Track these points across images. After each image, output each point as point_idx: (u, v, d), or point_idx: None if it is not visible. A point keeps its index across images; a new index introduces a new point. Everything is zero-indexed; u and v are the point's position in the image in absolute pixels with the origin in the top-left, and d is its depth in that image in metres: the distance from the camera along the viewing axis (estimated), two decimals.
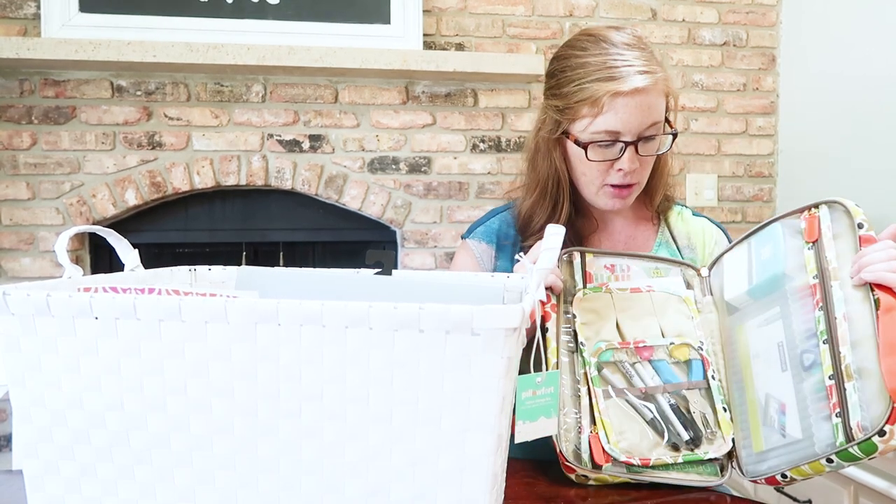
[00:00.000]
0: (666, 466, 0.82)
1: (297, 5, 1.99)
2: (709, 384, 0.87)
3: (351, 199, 2.08)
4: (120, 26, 1.90)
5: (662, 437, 0.83)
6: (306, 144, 2.05)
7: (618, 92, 0.92)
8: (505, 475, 0.65)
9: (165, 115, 1.98)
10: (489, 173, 2.14)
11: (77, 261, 1.97)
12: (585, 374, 0.85)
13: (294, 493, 0.58)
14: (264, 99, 2.03)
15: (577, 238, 1.06)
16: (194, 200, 2.07)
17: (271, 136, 2.04)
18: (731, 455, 0.85)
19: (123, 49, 1.83)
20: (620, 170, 0.98)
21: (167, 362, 0.57)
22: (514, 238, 1.10)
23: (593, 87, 0.94)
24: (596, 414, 0.83)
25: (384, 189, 2.10)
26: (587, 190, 1.03)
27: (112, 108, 1.95)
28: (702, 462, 0.83)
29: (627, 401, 0.85)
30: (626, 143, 0.96)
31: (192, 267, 0.83)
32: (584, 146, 0.97)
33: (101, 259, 2.03)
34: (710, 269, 0.98)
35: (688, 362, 0.88)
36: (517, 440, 0.66)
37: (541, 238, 1.04)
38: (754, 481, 0.82)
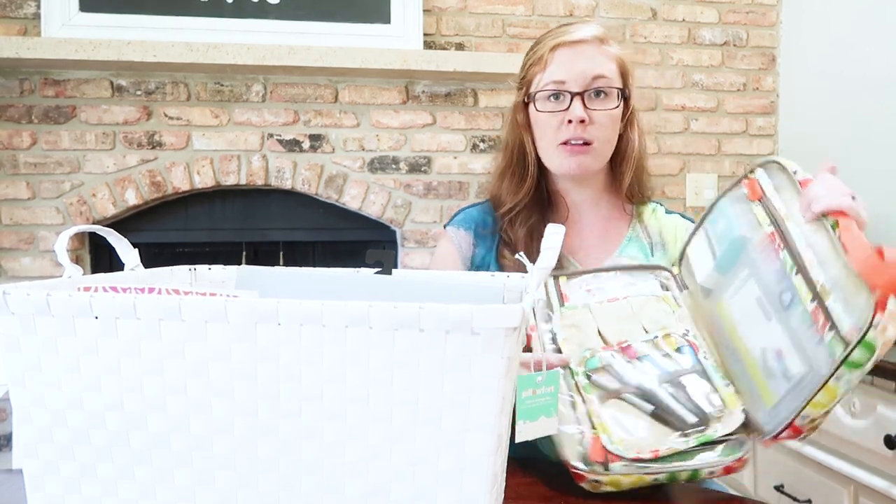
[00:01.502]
0: (682, 455, 0.80)
1: (297, 5, 1.99)
2: (703, 366, 0.86)
3: (351, 199, 2.08)
4: (120, 26, 1.90)
5: (669, 426, 0.81)
6: (306, 144, 2.05)
7: (559, 43, 1.03)
8: (505, 475, 0.65)
9: (165, 115, 1.98)
10: (489, 173, 2.13)
11: (77, 260, 1.97)
12: (576, 384, 0.84)
13: (294, 493, 0.58)
14: (264, 98, 2.03)
15: None
16: (194, 200, 2.07)
17: (271, 135, 2.04)
18: (746, 427, 0.83)
19: (123, 49, 1.83)
20: (570, 122, 1.02)
21: (167, 362, 0.57)
22: (493, 227, 1.12)
23: (541, 47, 1.05)
24: (594, 419, 0.81)
25: (384, 189, 2.10)
26: (546, 153, 1.07)
27: (112, 107, 1.95)
28: (716, 442, 0.82)
29: (625, 399, 0.84)
30: (573, 94, 1.01)
31: (192, 266, 0.82)
32: (534, 99, 1.05)
33: (101, 259, 2.03)
34: (680, 266, 0.98)
35: (678, 350, 0.88)
36: (517, 440, 0.66)
37: (513, 204, 1.09)
38: (777, 438, 0.81)
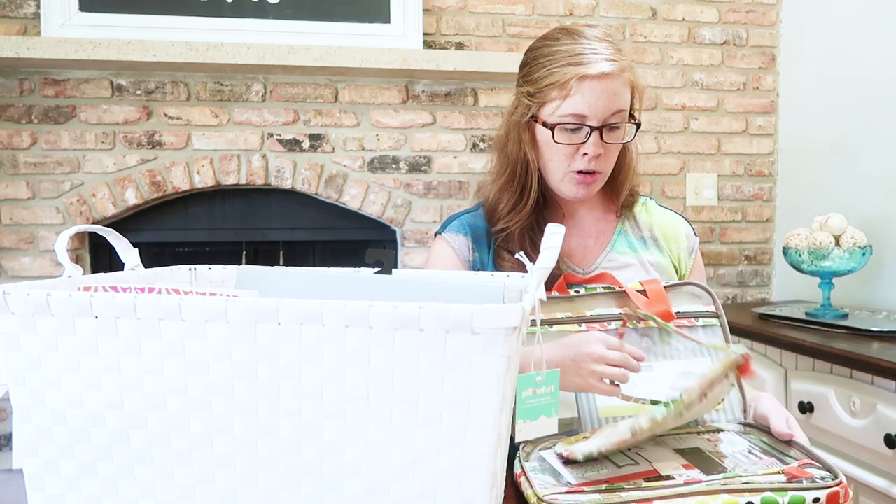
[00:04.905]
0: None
1: (297, 4, 1.99)
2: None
3: (351, 199, 2.08)
4: (120, 25, 1.90)
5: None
6: (306, 144, 2.05)
7: (585, 75, 0.97)
8: (505, 475, 0.65)
9: (165, 115, 1.98)
10: (489, 172, 2.13)
11: (77, 260, 1.97)
12: None
13: (294, 491, 0.58)
14: (264, 98, 2.03)
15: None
16: (194, 200, 2.07)
17: (271, 135, 2.04)
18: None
19: (123, 48, 1.83)
20: (585, 154, 1.00)
21: (167, 361, 0.57)
22: (488, 230, 1.11)
23: (562, 70, 0.98)
24: None
25: (384, 188, 2.10)
26: (553, 176, 1.05)
27: (112, 107, 1.95)
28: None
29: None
30: (592, 128, 0.99)
31: (192, 266, 0.82)
32: (552, 128, 1.00)
33: (101, 258, 2.03)
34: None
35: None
36: (517, 440, 0.66)
37: (507, 224, 1.07)
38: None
